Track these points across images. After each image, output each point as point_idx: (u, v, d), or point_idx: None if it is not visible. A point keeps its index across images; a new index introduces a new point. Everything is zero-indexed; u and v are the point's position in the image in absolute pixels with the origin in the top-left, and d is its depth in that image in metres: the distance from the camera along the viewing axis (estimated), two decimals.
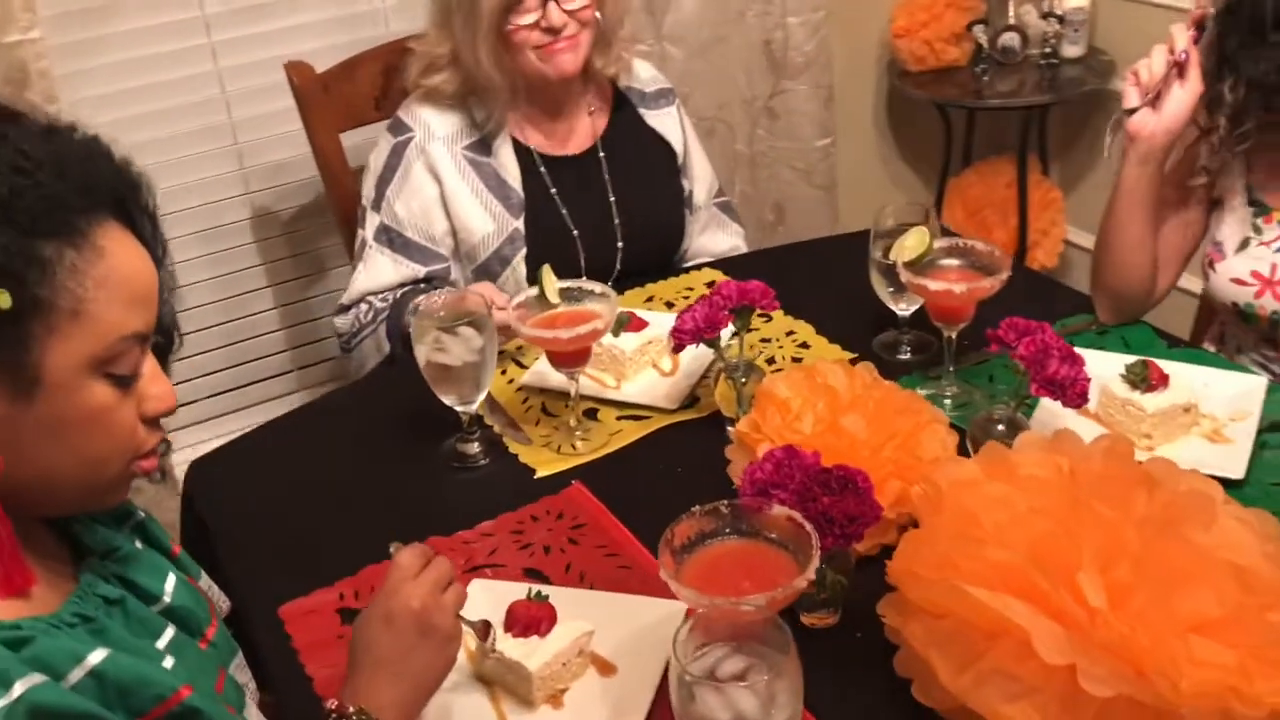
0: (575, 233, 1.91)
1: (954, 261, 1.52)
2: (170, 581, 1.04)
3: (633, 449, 1.53)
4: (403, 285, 1.89)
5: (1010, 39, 2.98)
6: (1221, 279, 1.62)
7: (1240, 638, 0.92)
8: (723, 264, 1.98)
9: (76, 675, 0.85)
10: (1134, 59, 1.56)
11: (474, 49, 1.78)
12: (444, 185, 1.86)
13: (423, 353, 1.47)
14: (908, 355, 1.67)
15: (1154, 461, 1.07)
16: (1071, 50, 2.96)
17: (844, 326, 1.74)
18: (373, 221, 1.90)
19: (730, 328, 1.49)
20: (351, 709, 1.00)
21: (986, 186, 3.17)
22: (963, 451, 1.34)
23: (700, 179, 2.06)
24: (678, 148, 2.02)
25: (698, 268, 1.98)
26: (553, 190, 1.91)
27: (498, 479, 1.51)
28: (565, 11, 1.77)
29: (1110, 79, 2.91)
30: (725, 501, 1.09)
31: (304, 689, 1.20)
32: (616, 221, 1.95)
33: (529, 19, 1.76)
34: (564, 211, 1.91)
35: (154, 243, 0.94)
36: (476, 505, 1.45)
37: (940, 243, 1.53)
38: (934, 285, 1.45)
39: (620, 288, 1.90)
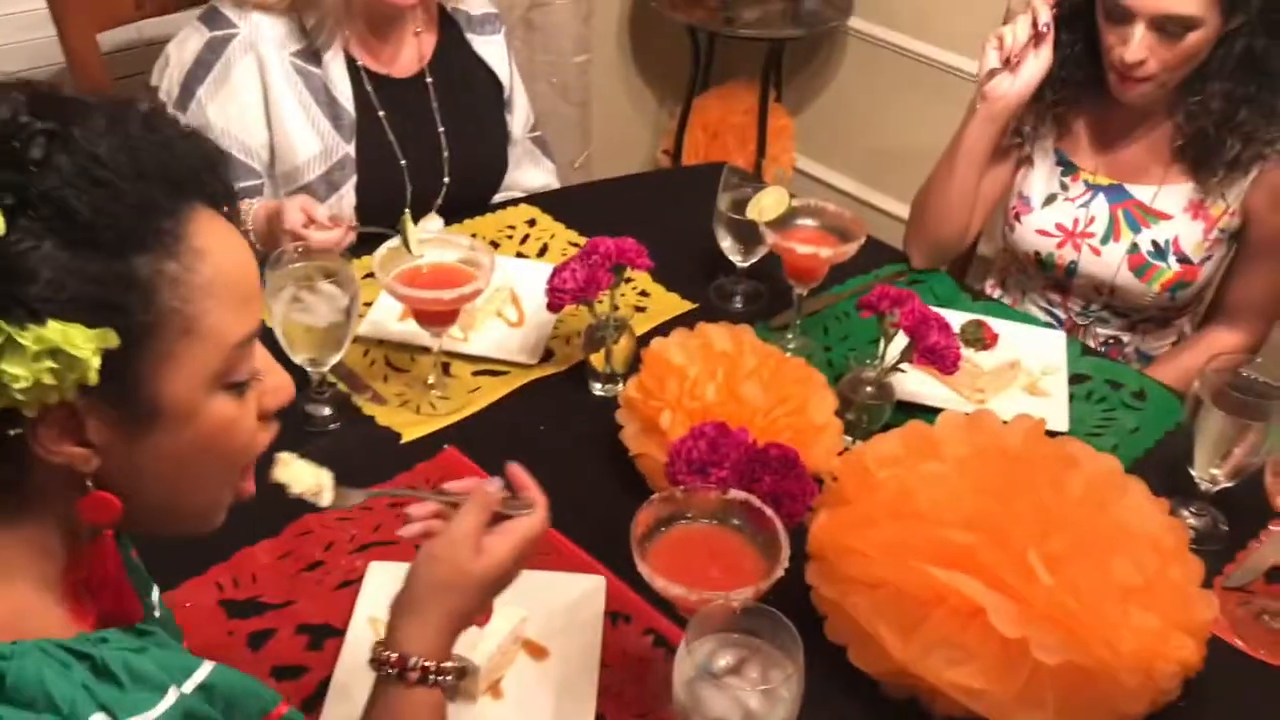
0: (403, 163, 1.79)
1: (809, 221, 1.58)
2: (155, 590, 0.95)
3: (494, 406, 1.49)
4: None
5: None
6: (1027, 230, 1.79)
7: (1157, 602, 1.05)
8: (540, 200, 1.93)
9: (189, 688, 0.76)
10: None
11: None
12: (269, 92, 1.68)
13: (280, 311, 1.34)
14: (740, 305, 1.71)
15: (1067, 441, 1.18)
16: None
17: (676, 273, 1.76)
18: None
19: None
20: (430, 664, 0.91)
21: (726, 110, 3.26)
22: None
23: (519, 112, 1.98)
24: (504, 80, 1.93)
25: (513, 202, 1.92)
26: (380, 114, 1.77)
27: (357, 444, 1.42)
28: None
29: (848, 16, 3.05)
30: (680, 488, 1.09)
31: None
32: (445, 155, 1.84)
33: None
34: (392, 138, 1.78)
35: (237, 219, 0.81)
36: (341, 475, 1.34)
37: (794, 203, 1.57)
38: (802, 249, 1.50)
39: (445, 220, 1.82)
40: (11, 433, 0.69)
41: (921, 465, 1.13)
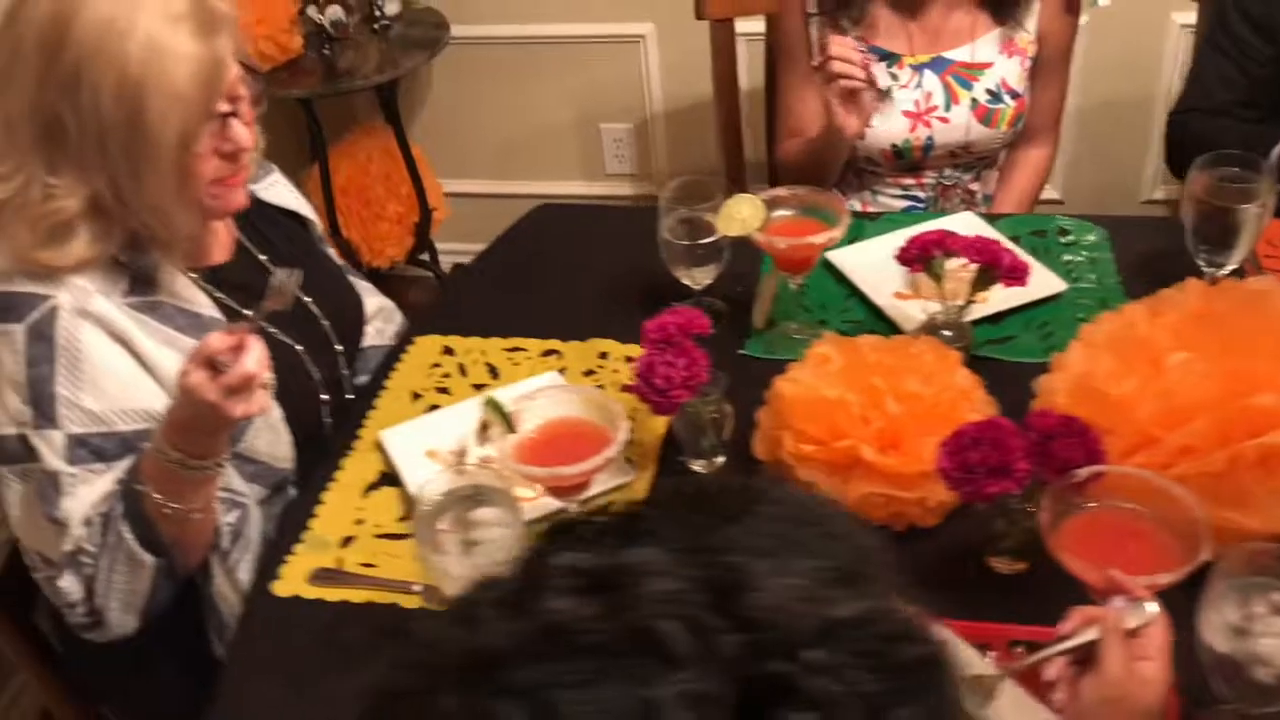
0: (300, 349, 1.52)
1: (785, 213, 1.54)
2: None
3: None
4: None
5: (335, 12, 2.84)
6: (879, 130, 1.87)
7: None
8: (422, 325, 1.71)
9: None
10: None
11: (155, 193, 1.27)
12: (134, 347, 1.34)
13: (444, 563, 1.11)
14: (713, 328, 1.64)
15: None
16: (391, 8, 2.92)
17: (623, 327, 1.62)
18: (53, 444, 1.29)
19: None
20: None
21: (358, 165, 3.04)
22: None
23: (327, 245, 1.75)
24: (309, 214, 1.68)
25: (399, 349, 1.68)
26: (249, 312, 1.47)
27: None
28: (245, 125, 1.33)
29: (447, 30, 2.92)
30: (1056, 487, 1.07)
31: None
32: (325, 324, 1.58)
33: (207, 143, 1.30)
34: (273, 329, 1.49)
35: None
36: None
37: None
38: (816, 239, 1.47)
39: (366, 404, 1.57)
40: None
41: (1162, 359, 1.19)
